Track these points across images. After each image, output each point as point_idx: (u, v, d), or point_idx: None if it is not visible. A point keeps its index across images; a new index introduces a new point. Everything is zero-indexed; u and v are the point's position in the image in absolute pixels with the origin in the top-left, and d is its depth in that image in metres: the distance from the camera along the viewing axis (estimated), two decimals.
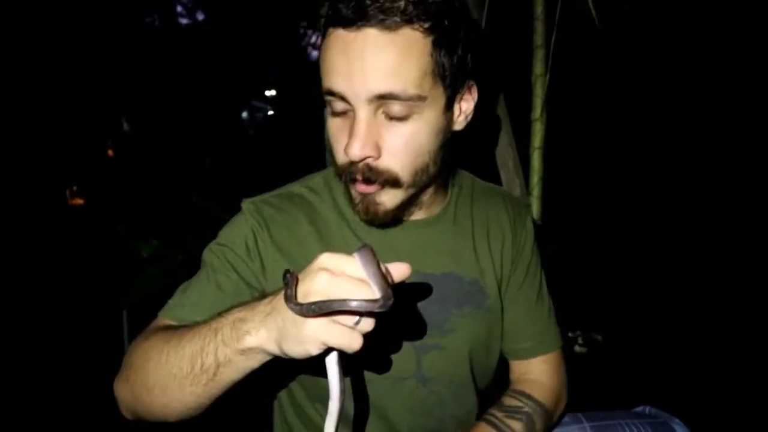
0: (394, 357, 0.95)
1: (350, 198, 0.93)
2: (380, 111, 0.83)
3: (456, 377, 1.00)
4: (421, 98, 0.82)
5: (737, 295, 3.40)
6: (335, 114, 0.87)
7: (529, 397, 1.03)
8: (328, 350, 0.66)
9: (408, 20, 0.79)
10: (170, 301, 0.93)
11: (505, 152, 1.61)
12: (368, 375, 0.95)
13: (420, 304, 0.97)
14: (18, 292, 4.10)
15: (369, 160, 0.84)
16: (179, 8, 8.45)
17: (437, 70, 0.83)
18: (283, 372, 1.00)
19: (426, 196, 0.97)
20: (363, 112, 0.82)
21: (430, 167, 0.89)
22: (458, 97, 0.90)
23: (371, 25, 0.79)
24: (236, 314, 0.72)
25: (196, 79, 7.22)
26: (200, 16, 8.54)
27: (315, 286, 0.62)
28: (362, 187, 0.87)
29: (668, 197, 4.04)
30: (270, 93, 9.25)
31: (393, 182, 0.87)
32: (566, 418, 1.14)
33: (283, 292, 0.65)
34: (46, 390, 2.92)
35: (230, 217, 1.00)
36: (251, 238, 0.94)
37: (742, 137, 3.79)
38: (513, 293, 1.07)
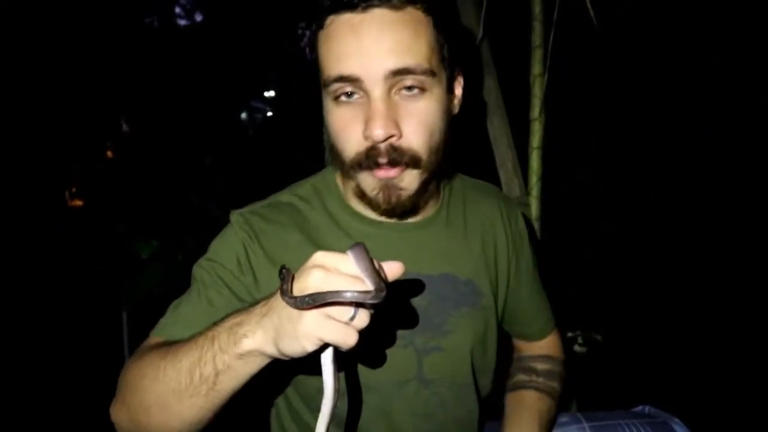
0: (395, 360, 0.95)
1: (360, 195, 0.91)
2: (393, 90, 0.84)
3: (457, 378, 1.01)
4: (432, 74, 0.84)
5: (737, 295, 3.40)
6: (343, 103, 0.86)
7: (553, 359, 1.15)
8: (324, 348, 0.66)
9: (410, 0, 0.82)
10: (162, 320, 0.91)
11: (504, 152, 1.61)
12: (370, 379, 0.95)
13: (418, 306, 0.97)
14: (18, 292, 4.10)
15: (392, 140, 0.84)
16: (178, 9, 8.45)
17: (440, 49, 0.86)
18: (280, 379, 1.00)
19: (427, 194, 0.97)
20: (378, 91, 0.82)
21: (441, 148, 0.90)
22: (453, 80, 0.93)
23: (377, 5, 0.81)
24: (232, 320, 0.72)
25: (195, 79, 7.22)
26: (199, 17, 8.54)
27: (310, 282, 0.63)
28: (386, 171, 0.86)
29: (668, 197, 4.04)
30: (269, 94, 9.25)
31: (415, 162, 0.86)
32: (566, 419, 1.15)
33: (278, 292, 0.66)
34: (46, 390, 2.92)
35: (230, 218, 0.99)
36: (242, 252, 0.93)
37: (742, 137, 3.79)
38: (516, 285, 1.10)
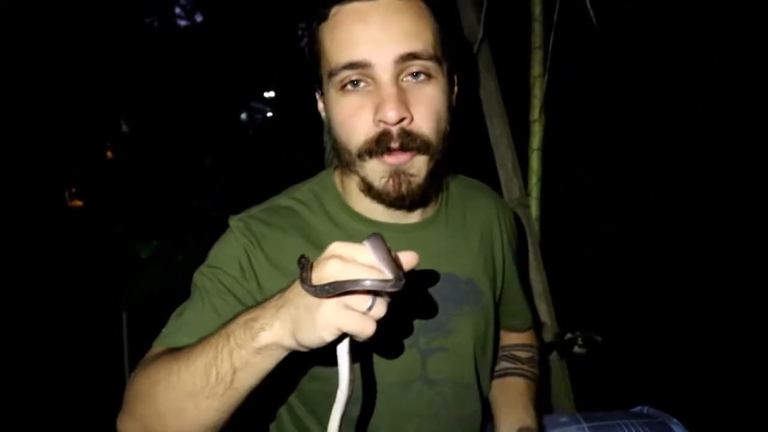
0: (400, 361, 0.95)
1: (367, 189, 0.91)
2: (401, 77, 0.85)
3: (460, 378, 1.01)
4: (438, 60, 0.87)
5: (737, 295, 3.40)
6: (349, 92, 0.86)
7: (533, 347, 1.22)
8: (341, 339, 0.66)
9: None
10: (165, 330, 0.90)
11: (504, 153, 1.61)
12: (375, 380, 0.95)
13: (421, 307, 0.97)
14: (18, 292, 4.10)
15: (404, 123, 0.85)
16: (178, 10, 8.45)
17: (441, 40, 0.88)
18: (283, 387, 0.99)
19: (432, 188, 0.97)
20: (388, 76, 0.84)
21: (447, 136, 0.91)
22: (453, 72, 0.94)
23: None
24: (246, 316, 0.72)
25: (195, 80, 7.23)
26: (199, 18, 8.54)
27: (328, 272, 0.63)
28: (396, 157, 0.86)
29: (668, 197, 4.04)
30: (269, 94, 9.24)
31: (426, 147, 0.87)
32: (565, 419, 1.15)
33: (294, 284, 0.66)
34: (46, 390, 2.92)
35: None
36: (244, 257, 0.92)
37: (742, 137, 3.80)
38: (510, 280, 1.13)
